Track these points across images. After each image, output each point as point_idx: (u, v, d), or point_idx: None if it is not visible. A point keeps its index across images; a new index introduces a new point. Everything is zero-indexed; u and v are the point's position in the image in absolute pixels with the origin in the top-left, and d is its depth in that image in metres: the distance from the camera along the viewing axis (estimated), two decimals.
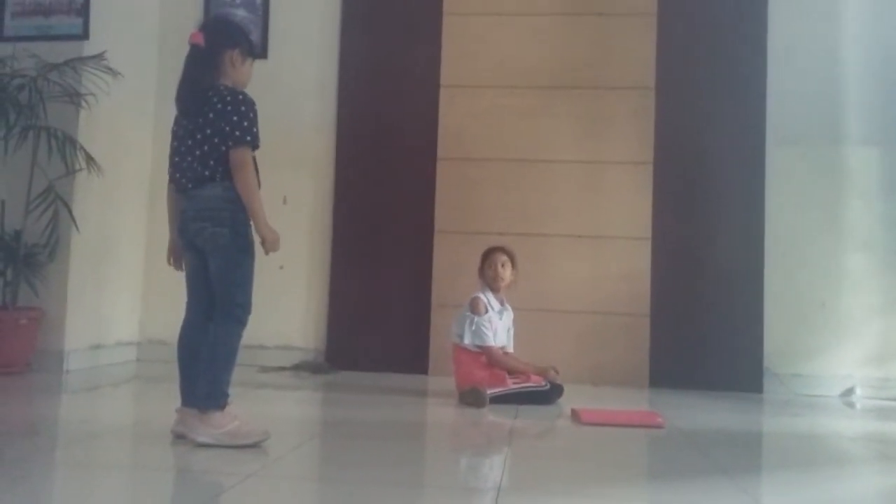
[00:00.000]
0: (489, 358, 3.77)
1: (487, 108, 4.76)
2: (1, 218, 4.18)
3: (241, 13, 4.88)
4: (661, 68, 4.67)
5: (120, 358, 4.70)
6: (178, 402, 2.66)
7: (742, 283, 4.52)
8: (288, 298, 4.78)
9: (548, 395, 3.69)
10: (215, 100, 2.59)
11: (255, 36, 4.71)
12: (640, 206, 4.62)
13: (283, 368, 4.62)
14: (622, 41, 4.71)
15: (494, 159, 4.73)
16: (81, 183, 4.30)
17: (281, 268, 4.57)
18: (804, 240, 4.56)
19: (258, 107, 2.66)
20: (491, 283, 3.89)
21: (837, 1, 4.63)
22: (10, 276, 4.12)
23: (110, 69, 4.32)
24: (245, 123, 2.58)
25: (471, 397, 3.61)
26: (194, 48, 2.65)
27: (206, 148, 2.59)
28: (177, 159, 2.67)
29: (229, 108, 2.58)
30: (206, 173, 2.59)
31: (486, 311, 3.81)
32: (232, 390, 2.63)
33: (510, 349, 3.95)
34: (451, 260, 4.65)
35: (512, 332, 3.98)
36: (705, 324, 4.51)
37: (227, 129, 2.57)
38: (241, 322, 2.64)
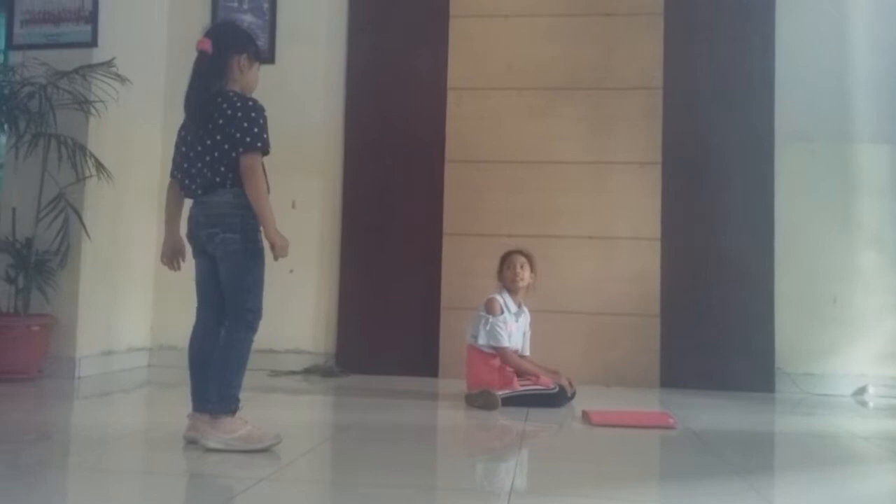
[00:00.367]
0: (502, 359, 3.76)
1: (495, 110, 4.76)
2: (12, 225, 4.21)
3: (248, 18, 4.90)
4: (669, 68, 4.66)
5: (131, 364, 4.72)
6: (189, 407, 2.66)
7: (752, 283, 4.50)
8: (298, 302, 4.79)
9: (556, 398, 3.67)
10: (225, 105, 2.60)
11: (262, 41, 4.74)
12: (649, 206, 4.61)
13: (293, 372, 4.63)
14: (629, 41, 4.70)
15: (503, 161, 4.73)
16: (91, 190, 4.32)
17: (291, 272, 4.58)
18: (815, 238, 4.54)
19: (266, 111, 2.66)
20: (510, 285, 3.89)
21: None
22: (21, 283, 4.15)
23: (119, 76, 4.34)
24: (255, 129, 2.58)
25: (481, 400, 3.60)
26: (202, 54, 2.66)
27: (216, 154, 2.59)
28: (185, 165, 2.68)
29: (239, 113, 2.59)
30: (217, 179, 2.60)
31: (502, 312, 3.80)
32: (243, 395, 2.63)
33: (526, 352, 3.95)
34: (460, 262, 4.65)
35: (528, 335, 3.97)
36: (716, 323, 4.49)
37: (238, 135, 2.57)
38: (252, 328, 2.65)
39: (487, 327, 3.76)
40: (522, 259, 3.91)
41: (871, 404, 4.23)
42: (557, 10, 4.78)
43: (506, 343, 3.77)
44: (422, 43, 4.85)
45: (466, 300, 4.35)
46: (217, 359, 2.60)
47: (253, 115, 2.60)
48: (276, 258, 2.63)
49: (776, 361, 4.46)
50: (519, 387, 3.69)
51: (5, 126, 4.27)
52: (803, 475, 2.59)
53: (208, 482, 2.36)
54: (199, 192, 2.64)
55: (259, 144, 2.59)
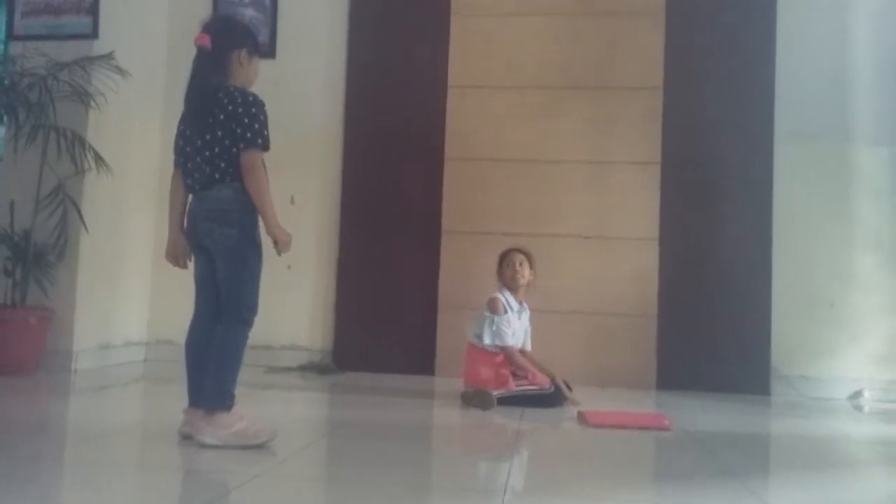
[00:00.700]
0: (507, 358, 3.76)
1: (495, 108, 4.75)
2: (10, 217, 4.20)
3: (249, 13, 4.89)
4: (670, 68, 4.65)
5: (128, 358, 4.72)
6: (185, 402, 2.66)
7: (750, 284, 4.50)
8: (295, 299, 4.79)
9: (551, 399, 3.67)
10: (226, 101, 2.59)
11: (263, 35, 4.74)
12: (648, 206, 4.61)
13: (289, 369, 4.62)
14: (630, 41, 4.70)
15: (502, 159, 4.73)
16: (90, 183, 4.31)
17: (289, 268, 4.58)
18: (813, 240, 4.53)
19: (266, 107, 2.66)
20: (509, 283, 3.88)
21: None
22: (19, 276, 4.14)
23: (119, 68, 4.34)
24: (256, 126, 2.58)
25: (476, 399, 3.61)
26: (201, 51, 2.65)
27: (216, 149, 2.59)
28: (183, 160, 2.68)
29: (240, 109, 2.58)
30: (216, 175, 2.59)
31: (506, 312, 3.80)
32: (238, 391, 2.63)
33: (528, 348, 3.95)
34: (459, 260, 4.65)
35: (529, 331, 3.97)
36: (713, 325, 4.50)
37: (238, 130, 2.57)
38: (248, 323, 2.65)
39: (493, 327, 3.75)
40: (521, 257, 3.90)
41: (866, 408, 4.23)
42: (559, 9, 4.77)
43: (511, 341, 3.77)
44: (423, 40, 4.84)
45: (464, 298, 4.35)
46: (213, 354, 2.60)
47: (253, 110, 2.59)
48: (279, 253, 2.63)
49: (772, 363, 4.46)
50: (515, 387, 3.69)
51: (4, 117, 4.26)
52: (798, 478, 2.59)
53: (203, 478, 2.36)
54: (198, 187, 2.64)
55: (260, 141, 2.59)
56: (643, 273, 4.57)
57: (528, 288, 3.93)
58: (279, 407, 3.61)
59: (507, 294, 3.87)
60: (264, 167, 2.64)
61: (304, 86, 4.89)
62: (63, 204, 4.17)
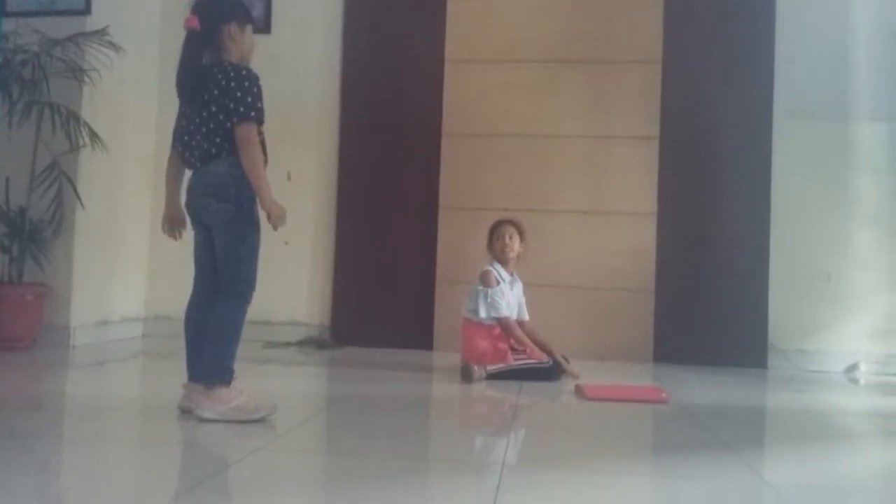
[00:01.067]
0: (504, 329, 3.77)
1: (492, 83, 4.73)
2: (5, 194, 4.19)
3: None
4: (668, 42, 4.62)
5: (126, 334, 4.73)
6: (184, 377, 2.67)
7: (747, 259, 4.51)
8: (293, 274, 4.79)
9: (550, 372, 3.69)
10: (220, 76, 2.58)
11: (258, 10, 4.69)
12: (646, 181, 4.60)
13: (288, 344, 4.63)
14: (628, 15, 4.66)
15: (499, 135, 4.71)
16: (86, 159, 4.29)
17: (286, 243, 4.58)
18: (810, 215, 4.54)
19: (262, 82, 2.64)
20: (500, 256, 3.88)
21: None
22: (15, 252, 4.13)
23: (113, 44, 4.30)
24: (249, 99, 2.57)
25: (462, 372, 3.63)
26: (191, 32, 2.61)
27: (211, 125, 2.58)
28: (185, 137, 2.67)
29: (233, 83, 2.56)
30: (213, 150, 2.59)
31: (498, 283, 3.81)
32: (237, 366, 2.64)
33: (525, 317, 3.95)
34: (456, 236, 4.65)
35: (524, 301, 3.97)
36: (710, 299, 4.51)
37: (231, 105, 2.56)
38: (246, 298, 2.65)
39: (488, 300, 3.75)
40: (511, 229, 3.90)
41: (862, 381, 4.25)
42: None
43: (506, 312, 3.77)
44: (419, 14, 4.80)
45: (462, 273, 4.35)
46: (211, 329, 2.60)
47: (246, 84, 2.58)
48: (274, 228, 2.62)
49: (769, 337, 4.48)
50: (513, 361, 3.71)
51: None
52: (794, 450, 2.61)
53: (202, 452, 2.37)
54: (198, 164, 2.64)
55: (253, 114, 2.57)
56: (641, 248, 4.57)
57: (519, 260, 3.94)
58: (278, 382, 3.62)
59: (498, 266, 3.87)
60: (264, 143, 2.63)
61: (300, 61, 4.86)
62: (58, 180, 4.15)
